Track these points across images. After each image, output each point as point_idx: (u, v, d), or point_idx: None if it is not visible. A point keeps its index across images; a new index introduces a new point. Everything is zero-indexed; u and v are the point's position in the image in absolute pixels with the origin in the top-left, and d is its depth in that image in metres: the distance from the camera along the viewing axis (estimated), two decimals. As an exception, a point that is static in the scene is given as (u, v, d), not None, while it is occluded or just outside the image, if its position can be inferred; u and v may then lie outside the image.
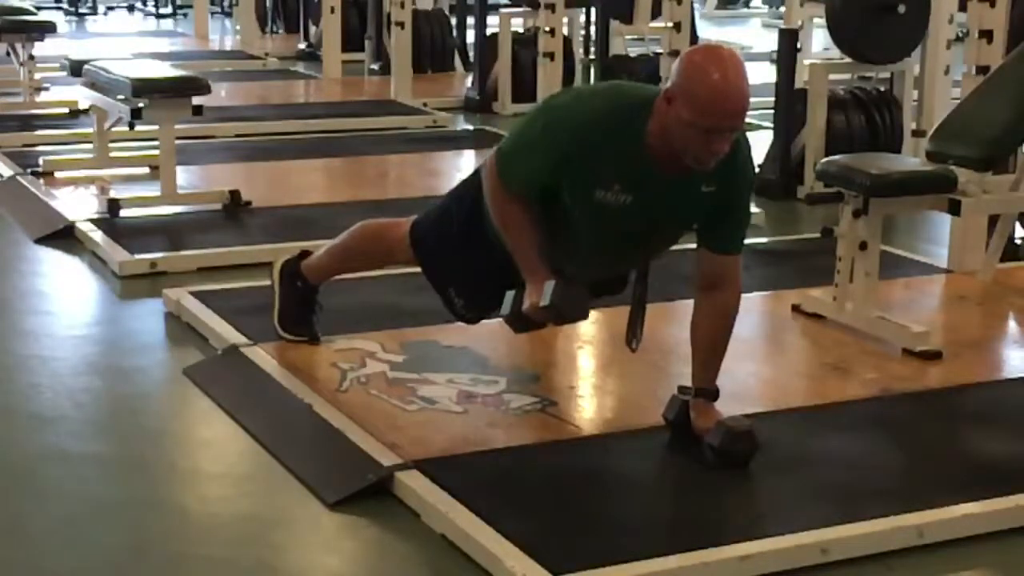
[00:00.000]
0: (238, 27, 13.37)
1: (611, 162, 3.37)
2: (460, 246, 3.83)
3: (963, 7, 5.87)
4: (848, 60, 6.90)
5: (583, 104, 3.47)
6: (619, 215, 3.43)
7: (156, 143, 6.13)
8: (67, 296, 5.17)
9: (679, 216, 3.52)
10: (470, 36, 10.31)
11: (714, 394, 3.58)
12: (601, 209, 3.42)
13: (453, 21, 11.08)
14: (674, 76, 3.29)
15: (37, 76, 8.56)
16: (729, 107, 3.24)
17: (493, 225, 3.68)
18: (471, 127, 8.72)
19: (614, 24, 8.45)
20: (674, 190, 3.42)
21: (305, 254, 4.25)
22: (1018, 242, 5.54)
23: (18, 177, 6.68)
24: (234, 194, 6.09)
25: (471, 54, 10.27)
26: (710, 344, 3.59)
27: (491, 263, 3.74)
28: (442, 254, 3.88)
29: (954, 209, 4.62)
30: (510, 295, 3.62)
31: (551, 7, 7.73)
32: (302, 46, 12.16)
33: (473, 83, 9.68)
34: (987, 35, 5.20)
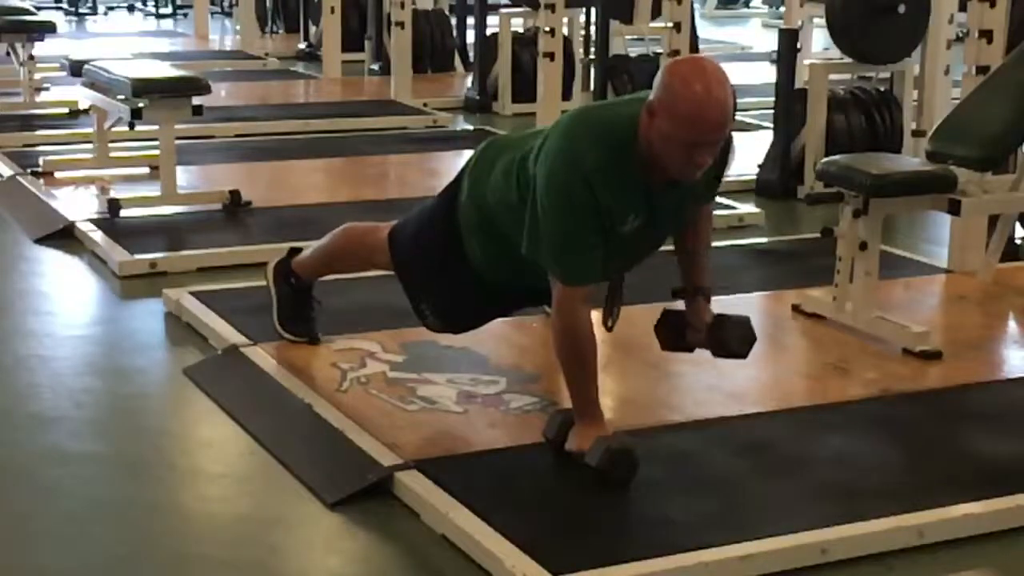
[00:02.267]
0: (238, 27, 13.37)
1: (621, 197, 3.34)
2: (437, 264, 3.78)
3: (963, 7, 5.87)
4: (848, 60, 6.90)
5: (575, 161, 3.31)
6: (636, 236, 3.42)
7: (156, 143, 6.13)
8: (67, 296, 5.17)
9: (684, 208, 3.54)
10: (470, 36, 10.32)
11: (708, 292, 3.66)
12: (623, 238, 3.40)
13: (453, 21, 11.08)
14: (656, 89, 3.26)
15: (37, 76, 8.56)
16: (710, 121, 3.21)
17: (474, 249, 3.66)
18: (471, 127, 8.72)
19: (614, 24, 8.44)
20: (675, 193, 3.42)
21: (294, 251, 4.26)
22: (1018, 242, 5.54)
23: (18, 177, 6.69)
24: (234, 194, 6.09)
25: (471, 54, 10.27)
26: (696, 243, 3.66)
27: (469, 286, 3.73)
28: (418, 268, 3.85)
29: (954, 209, 4.62)
30: (555, 416, 3.55)
31: (551, 7, 7.72)
32: (302, 46, 12.16)
33: (473, 83, 9.69)
34: (987, 35, 5.20)
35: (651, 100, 3.27)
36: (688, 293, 3.69)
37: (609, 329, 3.78)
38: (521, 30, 9.69)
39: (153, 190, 6.11)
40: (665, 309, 3.68)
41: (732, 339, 3.58)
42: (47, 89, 8.67)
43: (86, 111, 7.29)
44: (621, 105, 3.48)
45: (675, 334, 3.70)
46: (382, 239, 3.94)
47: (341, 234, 4.14)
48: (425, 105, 9.29)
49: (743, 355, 3.62)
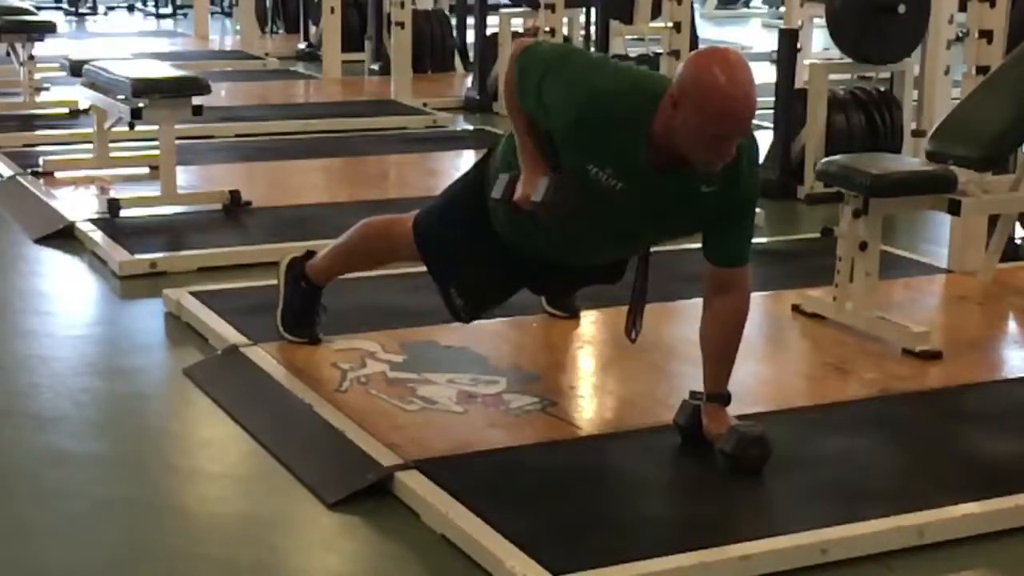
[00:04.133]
0: (238, 27, 13.37)
1: (608, 144, 3.35)
2: (463, 242, 3.83)
3: (963, 7, 5.87)
4: (848, 60, 6.91)
5: (607, 76, 3.41)
6: (611, 199, 3.40)
7: (156, 143, 6.13)
8: (67, 296, 5.16)
9: (678, 212, 3.48)
10: (470, 36, 10.32)
11: (726, 398, 3.55)
12: (595, 186, 3.39)
13: (453, 21, 11.09)
14: (681, 79, 3.25)
15: (37, 76, 8.55)
16: (738, 114, 3.21)
17: (498, 221, 3.68)
18: (471, 127, 8.71)
19: (614, 24, 8.45)
20: (670, 185, 3.40)
21: (310, 254, 4.25)
22: (1018, 242, 5.54)
23: (18, 177, 6.69)
24: (234, 194, 6.09)
25: (471, 54, 10.27)
26: (720, 348, 3.56)
27: (495, 259, 3.75)
28: (445, 250, 3.88)
29: (954, 209, 4.62)
30: (503, 179, 3.58)
31: (551, 7, 7.74)
32: (302, 46, 12.16)
33: (473, 83, 9.69)
34: (987, 35, 5.20)
35: (675, 91, 3.26)
36: (702, 399, 3.57)
37: (632, 340, 3.79)
38: (521, 30, 9.69)
39: (153, 190, 6.11)
40: (684, 400, 3.64)
41: (744, 458, 3.42)
42: (47, 89, 8.66)
43: (86, 111, 7.29)
44: (665, 79, 3.50)
45: (691, 428, 3.58)
46: (406, 230, 3.95)
47: (361, 229, 4.14)
48: (425, 105, 9.28)
49: (757, 470, 3.48)
